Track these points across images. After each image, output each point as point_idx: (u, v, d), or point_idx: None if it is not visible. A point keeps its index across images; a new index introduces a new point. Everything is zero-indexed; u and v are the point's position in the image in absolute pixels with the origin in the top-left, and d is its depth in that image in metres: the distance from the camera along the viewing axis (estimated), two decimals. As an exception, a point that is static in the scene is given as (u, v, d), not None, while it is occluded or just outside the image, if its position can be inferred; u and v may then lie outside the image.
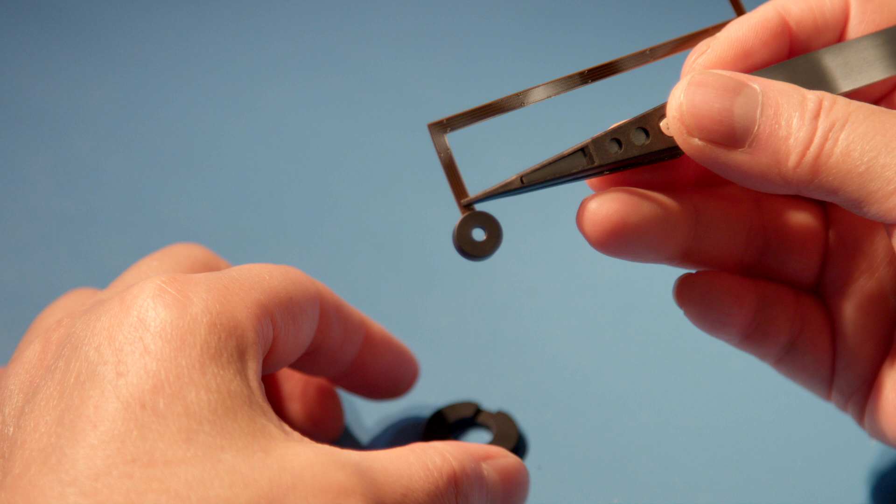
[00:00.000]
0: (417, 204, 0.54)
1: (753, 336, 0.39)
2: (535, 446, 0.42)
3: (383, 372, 0.41)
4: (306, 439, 0.33)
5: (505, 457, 0.37)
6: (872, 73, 0.37)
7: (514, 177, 0.35)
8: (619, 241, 0.36)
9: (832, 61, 0.37)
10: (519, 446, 0.42)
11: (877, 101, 0.38)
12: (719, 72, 0.35)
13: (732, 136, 0.34)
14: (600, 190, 0.36)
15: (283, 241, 0.53)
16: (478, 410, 0.43)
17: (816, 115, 0.34)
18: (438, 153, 0.36)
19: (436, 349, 0.47)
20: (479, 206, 0.35)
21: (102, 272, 0.49)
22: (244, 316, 0.34)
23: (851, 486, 0.40)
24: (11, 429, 0.32)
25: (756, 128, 0.34)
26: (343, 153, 0.57)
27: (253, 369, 0.33)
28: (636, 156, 0.36)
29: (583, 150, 0.36)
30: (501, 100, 0.36)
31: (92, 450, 0.30)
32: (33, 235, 0.54)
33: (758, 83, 0.35)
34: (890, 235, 0.34)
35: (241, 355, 0.33)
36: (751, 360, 0.40)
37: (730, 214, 0.39)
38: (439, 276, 0.50)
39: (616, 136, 0.36)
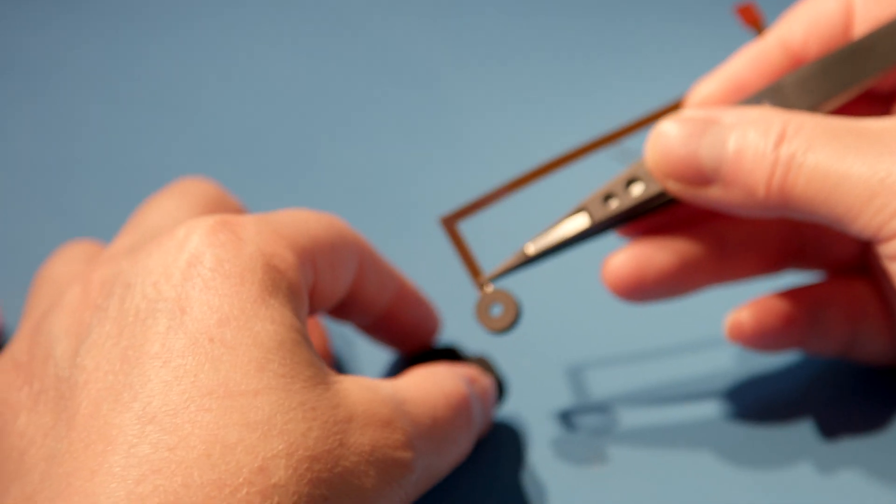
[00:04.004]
0: (396, 151, 0.54)
1: (814, 345, 0.40)
2: (516, 391, 0.42)
3: (410, 325, 0.40)
4: (343, 374, 0.33)
5: (483, 378, 0.39)
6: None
7: (521, 250, 0.37)
8: (641, 295, 0.38)
9: (819, 72, 0.37)
10: (500, 391, 0.41)
11: (891, 93, 0.39)
12: (689, 113, 0.36)
13: (702, 176, 0.36)
14: (631, 233, 0.39)
15: (265, 189, 0.52)
16: (458, 356, 0.43)
17: (778, 144, 0.35)
18: (454, 244, 0.38)
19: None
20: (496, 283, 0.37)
21: (81, 221, 0.50)
22: (293, 260, 0.33)
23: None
24: (67, 370, 0.32)
25: (723, 165, 0.35)
26: (327, 103, 0.56)
27: (303, 310, 0.33)
28: (637, 206, 0.37)
29: (582, 210, 0.37)
30: (507, 184, 0.38)
31: (166, 386, 0.30)
32: (12, 186, 0.53)
33: (732, 116, 0.36)
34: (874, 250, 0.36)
35: (293, 295, 0.33)
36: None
37: (757, 230, 0.40)
38: (420, 225, 0.50)
39: (611, 192, 0.37)
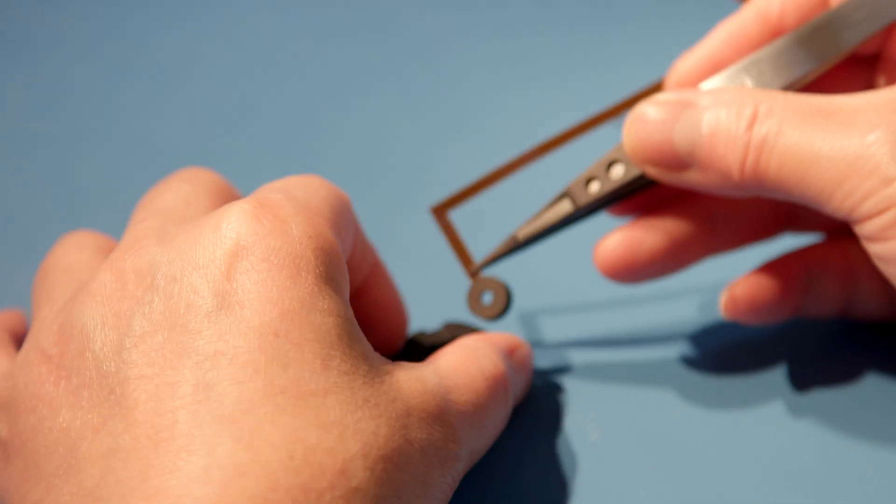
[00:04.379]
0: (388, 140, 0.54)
1: (811, 312, 0.40)
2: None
3: (382, 307, 0.39)
4: (388, 363, 0.32)
5: (522, 346, 0.38)
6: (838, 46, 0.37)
7: (510, 238, 0.38)
8: (633, 276, 0.39)
9: (795, 44, 0.37)
10: None
11: (874, 55, 0.39)
12: (664, 96, 0.36)
13: (678, 161, 0.36)
14: (620, 213, 0.39)
15: (268, 161, 0.53)
16: (425, 344, 0.40)
17: (750, 126, 0.34)
18: (444, 233, 0.39)
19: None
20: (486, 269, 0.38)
21: (81, 194, 0.50)
22: (334, 239, 0.32)
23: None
24: (113, 364, 0.30)
25: (697, 149, 0.35)
26: (332, 73, 0.56)
27: (348, 291, 0.33)
28: (620, 189, 0.38)
29: (566, 195, 0.38)
30: (495, 172, 0.39)
31: (238, 384, 0.28)
32: (9, 157, 0.54)
33: (706, 98, 0.35)
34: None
35: (341, 277, 0.32)
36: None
37: (747, 200, 0.39)
38: (408, 215, 0.48)
39: (593, 175, 0.38)
